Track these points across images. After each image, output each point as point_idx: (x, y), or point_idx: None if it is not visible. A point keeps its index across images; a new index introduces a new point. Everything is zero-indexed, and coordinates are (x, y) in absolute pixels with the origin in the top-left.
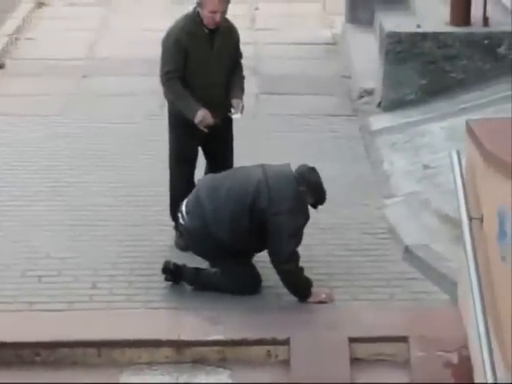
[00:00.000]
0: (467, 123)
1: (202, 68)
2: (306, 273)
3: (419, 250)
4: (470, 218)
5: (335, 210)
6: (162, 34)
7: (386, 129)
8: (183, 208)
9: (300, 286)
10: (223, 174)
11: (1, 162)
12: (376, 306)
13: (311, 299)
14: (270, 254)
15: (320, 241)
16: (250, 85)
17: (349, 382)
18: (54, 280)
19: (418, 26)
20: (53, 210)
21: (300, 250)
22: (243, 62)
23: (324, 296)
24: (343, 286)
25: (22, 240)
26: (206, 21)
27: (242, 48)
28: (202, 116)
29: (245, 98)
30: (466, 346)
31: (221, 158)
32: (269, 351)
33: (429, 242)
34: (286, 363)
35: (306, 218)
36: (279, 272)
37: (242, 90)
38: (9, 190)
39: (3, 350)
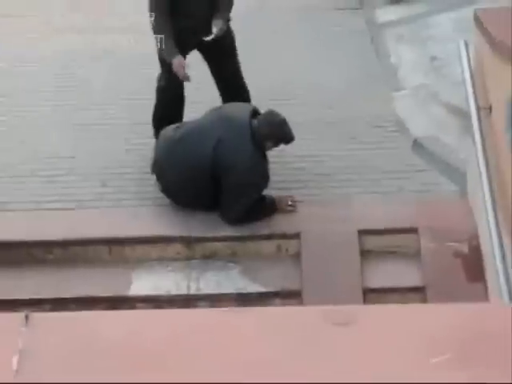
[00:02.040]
0: (475, 12)
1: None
2: (315, 167)
3: (428, 141)
4: (479, 108)
5: (342, 105)
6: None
7: (392, 21)
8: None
9: (261, 217)
10: (178, 134)
11: (9, 56)
12: (386, 198)
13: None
14: (219, 210)
15: (328, 135)
16: None
17: (359, 273)
18: (63, 179)
19: None
20: (61, 109)
21: (308, 143)
22: None
23: (290, 205)
24: (353, 180)
25: (30, 140)
26: None
27: None
28: (177, 65)
29: None
30: (476, 237)
31: (226, 73)
32: (279, 245)
33: (437, 134)
34: (296, 257)
35: (263, 177)
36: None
37: (227, 8)
38: (16, 87)
39: (15, 248)
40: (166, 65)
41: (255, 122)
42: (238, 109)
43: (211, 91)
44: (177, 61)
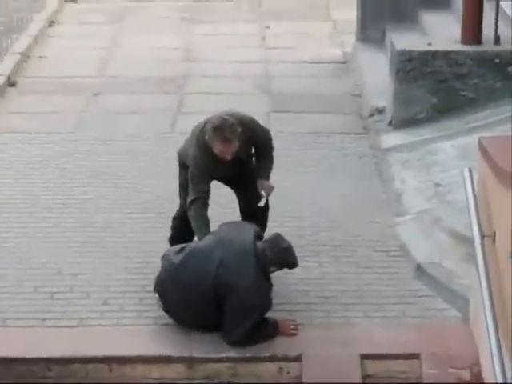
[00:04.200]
0: (480, 140)
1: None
2: (318, 290)
3: (431, 267)
4: (483, 236)
5: (346, 228)
6: (173, 53)
7: (397, 147)
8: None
9: (263, 340)
10: (181, 256)
11: (12, 179)
12: (388, 323)
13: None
14: (221, 331)
15: (332, 258)
16: (262, 103)
17: None
18: (65, 296)
19: (429, 44)
20: (64, 226)
21: (312, 266)
22: (253, 81)
23: (292, 329)
24: (355, 303)
25: (34, 256)
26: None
27: (252, 67)
28: None
29: (256, 116)
30: (477, 363)
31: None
32: (281, 368)
33: (440, 260)
34: (298, 379)
35: (266, 300)
36: None
37: (268, 167)
38: (20, 207)
39: (16, 365)
40: (184, 193)
41: (260, 245)
42: (241, 230)
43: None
44: None
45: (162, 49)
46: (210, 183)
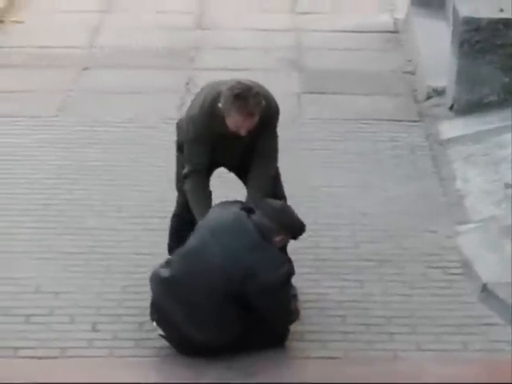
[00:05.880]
0: None
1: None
2: (358, 315)
3: (500, 288)
4: None
5: (393, 239)
6: (181, 18)
7: (459, 138)
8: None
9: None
10: (174, 267)
11: None
12: (445, 357)
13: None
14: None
15: (377, 276)
16: (291, 82)
17: None
18: (44, 320)
19: (501, 11)
20: (43, 233)
21: (350, 286)
22: (280, 55)
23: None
24: (405, 333)
25: (6, 271)
26: (229, 128)
27: (279, 36)
28: None
29: (285, 98)
30: None
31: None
32: None
33: (511, 280)
34: None
35: (290, 264)
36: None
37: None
38: None
39: None
40: (182, 192)
41: (254, 217)
42: (228, 210)
43: None
44: None
45: (167, 13)
46: (208, 157)
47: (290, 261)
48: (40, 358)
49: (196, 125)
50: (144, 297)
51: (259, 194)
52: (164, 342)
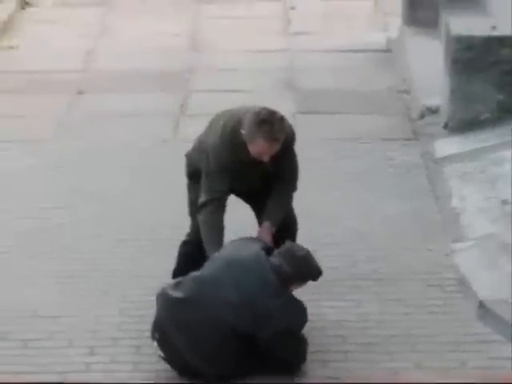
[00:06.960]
0: None
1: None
2: (357, 334)
3: (497, 305)
4: None
5: (390, 258)
6: (176, 41)
7: (454, 155)
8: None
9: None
10: (184, 291)
11: None
12: (443, 375)
13: None
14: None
15: (374, 295)
16: (286, 102)
17: None
18: (42, 345)
19: (494, 28)
20: (40, 257)
21: (349, 306)
22: (274, 76)
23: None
24: (403, 351)
25: (3, 295)
26: (251, 155)
27: (274, 58)
28: None
29: None
30: None
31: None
32: None
33: (508, 297)
34: None
35: (304, 312)
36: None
37: (280, 209)
38: None
39: None
40: (196, 219)
41: (274, 260)
42: (248, 247)
43: None
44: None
45: (162, 35)
46: (228, 185)
47: (305, 309)
48: (38, 383)
49: (218, 153)
50: (142, 319)
51: (280, 214)
52: (163, 366)
